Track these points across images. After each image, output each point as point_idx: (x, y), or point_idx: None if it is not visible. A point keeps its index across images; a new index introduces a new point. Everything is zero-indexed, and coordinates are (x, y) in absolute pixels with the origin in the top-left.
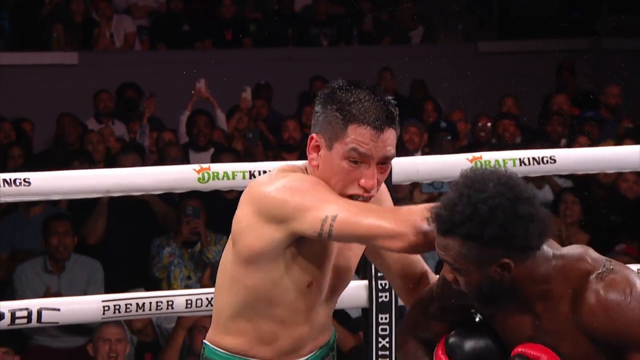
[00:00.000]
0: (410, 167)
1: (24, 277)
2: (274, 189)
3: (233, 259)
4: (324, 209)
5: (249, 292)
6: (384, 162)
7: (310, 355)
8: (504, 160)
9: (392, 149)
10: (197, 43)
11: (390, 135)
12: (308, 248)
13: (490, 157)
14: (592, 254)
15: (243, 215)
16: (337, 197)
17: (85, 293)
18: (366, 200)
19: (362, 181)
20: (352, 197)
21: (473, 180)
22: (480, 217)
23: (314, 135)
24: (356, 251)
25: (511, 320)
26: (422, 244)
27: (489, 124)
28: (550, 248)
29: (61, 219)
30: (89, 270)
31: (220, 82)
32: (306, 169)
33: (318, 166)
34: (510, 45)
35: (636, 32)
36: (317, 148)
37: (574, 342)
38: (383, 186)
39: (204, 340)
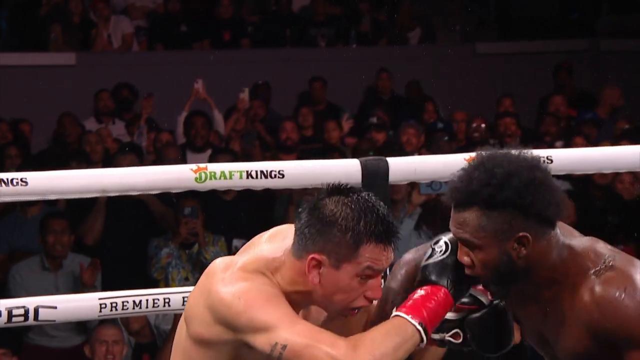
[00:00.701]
0: (407, 167)
1: (18, 277)
2: (229, 295)
3: (185, 335)
4: (276, 334)
5: None
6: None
7: None
8: None
9: (392, 259)
10: (195, 44)
11: (394, 246)
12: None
13: None
14: (599, 247)
15: (195, 303)
16: (291, 317)
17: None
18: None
19: (369, 293)
20: (356, 309)
21: (488, 155)
22: (498, 181)
23: (315, 256)
24: None
25: (523, 311)
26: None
27: (483, 125)
28: (562, 236)
29: (58, 217)
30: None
31: (218, 82)
32: (271, 272)
33: (319, 284)
34: (509, 46)
35: (635, 33)
36: (318, 268)
37: (575, 336)
38: None
39: None
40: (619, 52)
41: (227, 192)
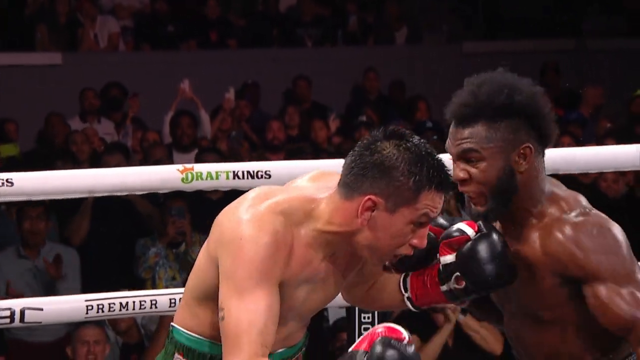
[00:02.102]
0: None
1: None
2: (237, 230)
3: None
4: (230, 298)
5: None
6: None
7: (282, 349)
8: None
9: None
10: (182, 44)
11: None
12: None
13: None
14: (581, 198)
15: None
16: (256, 292)
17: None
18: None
19: (415, 241)
20: (398, 256)
21: (489, 74)
22: (508, 90)
23: (372, 197)
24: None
25: None
26: None
27: None
28: (549, 182)
29: (34, 204)
30: (66, 256)
31: (205, 82)
32: (304, 213)
33: (367, 225)
34: (495, 45)
35: (620, 32)
36: (372, 209)
37: (541, 275)
38: None
39: (172, 324)
40: (605, 51)
41: (214, 192)
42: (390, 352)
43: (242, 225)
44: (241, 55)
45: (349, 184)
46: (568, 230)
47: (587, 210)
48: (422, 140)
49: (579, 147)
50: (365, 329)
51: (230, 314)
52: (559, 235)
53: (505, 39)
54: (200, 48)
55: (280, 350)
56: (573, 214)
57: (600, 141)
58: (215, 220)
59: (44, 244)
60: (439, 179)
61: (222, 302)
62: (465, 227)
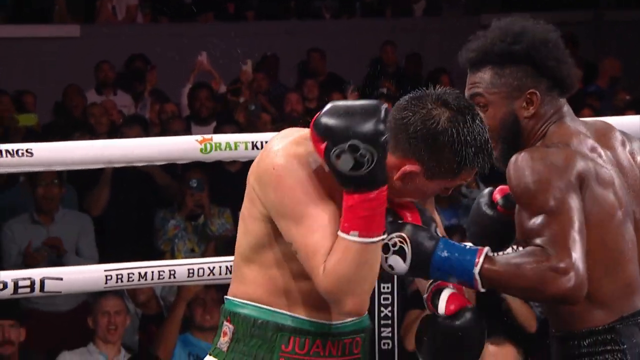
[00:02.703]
0: None
1: (9, 233)
2: (271, 159)
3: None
4: (291, 225)
5: (263, 237)
6: None
7: (339, 323)
8: None
9: None
10: (199, 16)
11: None
12: None
13: None
14: (575, 137)
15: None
16: (308, 209)
17: (77, 247)
18: None
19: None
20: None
21: (505, 19)
22: (512, 37)
23: (413, 164)
24: None
25: None
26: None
27: None
28: (568, 115)
29: None
30: (80, 223)
31: (222, 55)
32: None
33: (400, 185)
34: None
35: (638, 3)
36: (412, 173)
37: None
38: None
39: (225, 297)
40: (622, 22)
41: (233, 163)
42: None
43: (273, 156)
44: (258, 27)
45: (397, 139)
46: (518, 155)
47: (559, 144)
48: (476, 115)
49: (598, 118)
50: (385, 299)
51: (298, 243)
52: (511, 160)
53: (523, 10)
54: (218, 20)
55: (339, 322)
56: (539, 144)
57: (620, 113)
58: (253, 163)
59: (58, 209)
60: (481, 160)
61: (287, 237)
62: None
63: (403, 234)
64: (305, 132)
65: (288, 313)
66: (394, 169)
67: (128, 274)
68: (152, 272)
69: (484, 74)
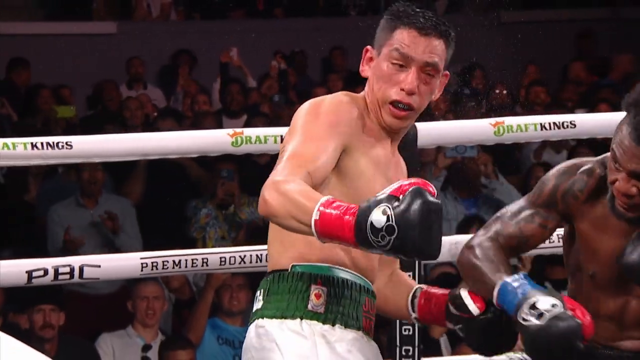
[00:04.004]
0: (435, 131)
1: (56, 216)
2: (323, 101)
3: None
4: (291, 140)
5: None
6: (427, 69)
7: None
8: (525, 125)
9: (435, 58)
10: (230, 13)
11: (437, 44)
12: (356, 163)
13: (513, 122)
14: None
15: None
16: (315, 135)
17: (121, 229)
18: (407, 107)
19: (402, 84)
20: (394, 103)
21: None
22: None
23: (368, 47)
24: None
25: None
26: (271, 216)
27: (505, 91)
28: None
29: None
30: (122, 206)
31: (252, 51)
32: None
33: (368, 77)
34: (532, 14)
35: None
36: (371, 60)
37: None
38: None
39: (293, 264)
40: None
41: (261, 155)
42: (423, 199)
43: (316, 98)
44: (286, 24)
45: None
46: None
47: None
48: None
49: (615, 112)
50: None
51: (286, 148)
52: None
53: (542, 7)
54: (248, 17)
55: (354, 275)
56: None
57: None
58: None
59: (102, 193)
60: (417, 21)
61: (283, 145)
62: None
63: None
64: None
65: (362, 277)
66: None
67: (163, 261)
68: (186, 260)
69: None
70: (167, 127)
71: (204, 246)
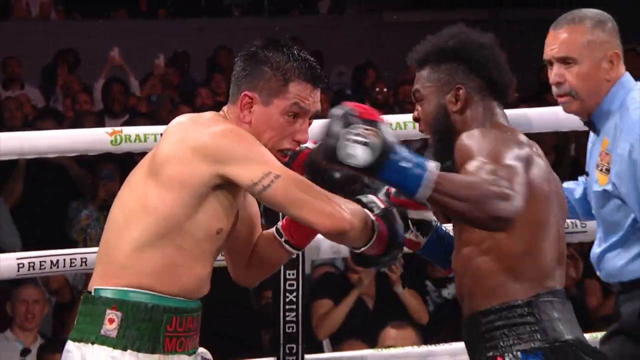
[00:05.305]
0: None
1: None
2: (220, 131)
3: (146, 190)
4: (270, 165)
5: (162, 220)
6: (313, 117)
7: (195, 299)
8: (404, 123)
9: (319, 106)
10: (112, 13)
11: (319, 93)
12: (226, 195)
13: (392, 120)
14: (485, 132)
15: (171, 145)
16: (276, 160)
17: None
18: (291, 152)
19: (297, 135)
20: (283, 151)
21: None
22: (450, 35)
23: (247, 93)
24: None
25: None
26: (349, 233)
27: (385, 89)
28: (502, 117)
29: None
30: None
31: (134, 51)
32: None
33: (250, 122)
34: (414, 15)
35: (533, 2)
36: (250, 105)
37: None
38: None
39: (95, 287)
40: (517, 21)
41: (143, 154)
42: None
43: (221, 129)
44: (170, 24)
45: (233, 89)
46: (467, 132)
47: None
48: (299, 49)
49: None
50: (290, 285)
51: (280, 170)
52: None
53: (424, 9)
54: (130, 17)
55: (196, 299)
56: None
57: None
58: (157, 161)
59: None
60: (308, 73)
61: (260, 174)
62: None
63: (376, 129)
64: (209, 115)
65: (172, 296)
66: (240, 111)
67: (40, 262)
68: (64, 259)
69: (423, 72)
70: (48, 128)
71: (85, 247)
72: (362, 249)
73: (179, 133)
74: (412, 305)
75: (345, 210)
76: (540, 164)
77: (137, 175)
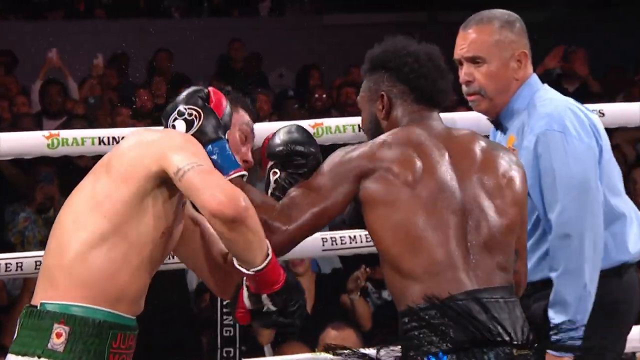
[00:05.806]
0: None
1: None
2: (172, 131)
3: (95, 190)
4: (196, 158)
5: (108, 220)
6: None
7: (133, 317)
8: (343, 127)
9: None
10: (49, 13)
11: None
12: (169, 195)
13: (332, 124)
14: (397, 136)
15: (127, 143)
16: (207, 158)
17: None
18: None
19: (244, 157)
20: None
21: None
22: (380, 47)
23: None
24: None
25: None
26: (243, 223)
27: (324, 95)
28: (433, 120)
29: None
30: None
31: (72, 52)
32: None
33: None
34: (354, 18)
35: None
36: None
37: None
38: None
39: (41, 301)
40: (455, 23)
41: (81, 157)
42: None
43: (168, 131)
44: (108, 25)
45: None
46: None
47: (376, 141)
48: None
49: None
50: None
51: (202, 164)
52: None
53: (364, 11)
54: (67, 18)
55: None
56: None
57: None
58: (109, 160)
59: None
60: (248, 104)
61: (187, 163)
62: None
63: (201, 111)
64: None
65: (117, 312)
66: None
67: None
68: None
69: (363, 82)
70: None
71: (23, 251)
72: (259, 267)
73: (137, 135)
74: (360, 311)
75: (245, 200)
76: (401, 173)
77: (88, 179)
